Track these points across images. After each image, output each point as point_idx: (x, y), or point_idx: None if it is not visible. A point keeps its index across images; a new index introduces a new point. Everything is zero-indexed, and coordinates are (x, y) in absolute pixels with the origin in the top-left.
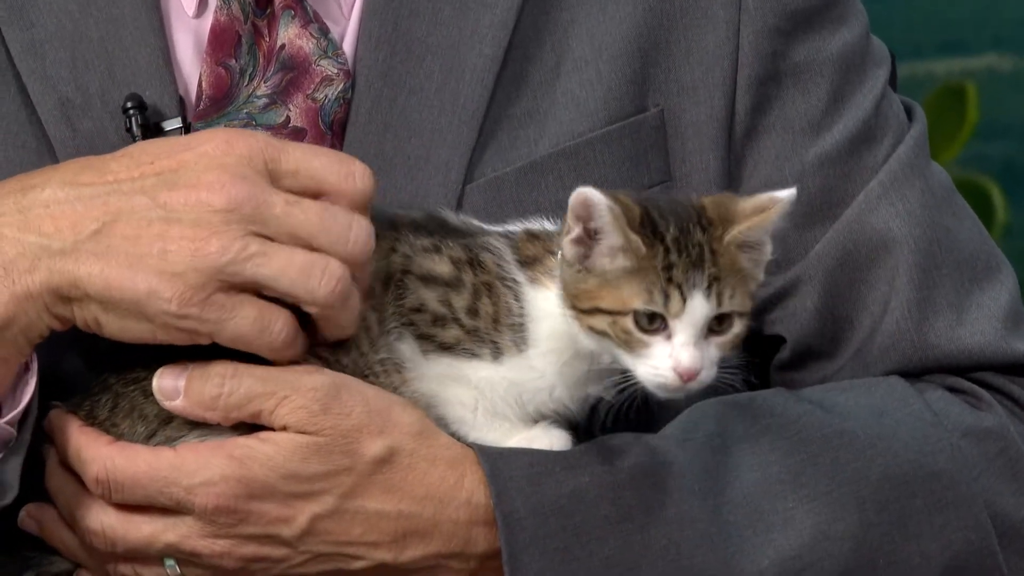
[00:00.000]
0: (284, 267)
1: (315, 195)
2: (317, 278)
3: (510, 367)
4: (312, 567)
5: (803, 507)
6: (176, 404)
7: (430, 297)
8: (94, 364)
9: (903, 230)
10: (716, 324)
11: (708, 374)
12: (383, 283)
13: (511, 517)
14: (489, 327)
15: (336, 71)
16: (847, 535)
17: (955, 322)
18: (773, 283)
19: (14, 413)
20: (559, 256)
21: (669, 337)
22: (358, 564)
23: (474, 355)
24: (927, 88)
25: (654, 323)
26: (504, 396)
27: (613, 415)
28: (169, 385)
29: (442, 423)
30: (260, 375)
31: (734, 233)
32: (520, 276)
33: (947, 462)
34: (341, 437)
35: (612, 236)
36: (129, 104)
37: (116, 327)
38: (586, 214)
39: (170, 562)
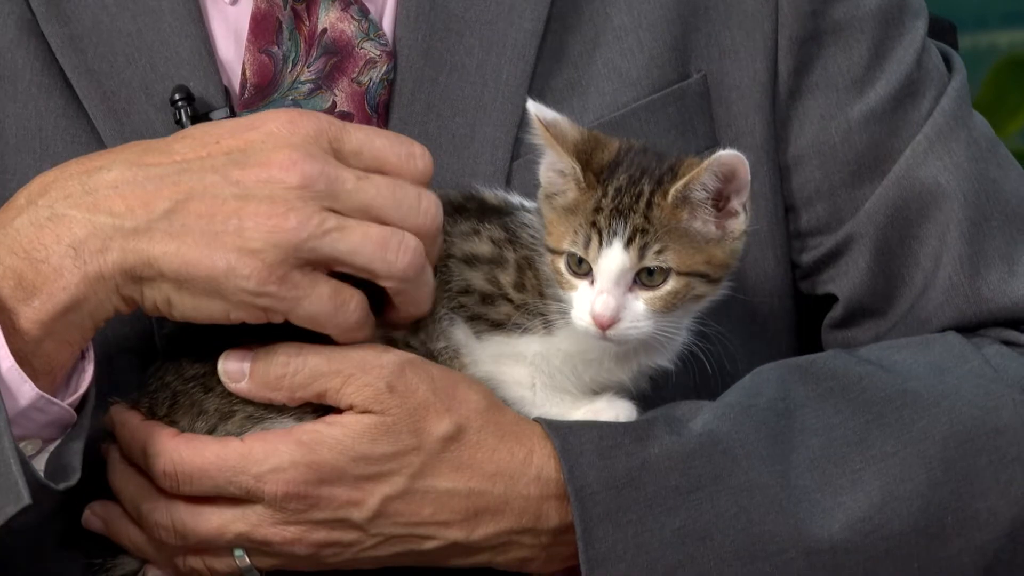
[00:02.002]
0: (361, 241)
1: (377, 173)
2: (394, 251)
3: (561, 338)
4: (384, 549)
5: (870, 468)
6: (242, 386)
7: (476, 277)
8: (148, 363)
9: (952, 184)
10: (647, 278)
11: (630, 326)
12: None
13: (584, 491)
14: (536, 300)
15: (379, 53)
16: (915, 495)
17: (1007, 274)
18: (825, 243)
19: (75, 397)
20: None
21: (593, 283)
22: (430, 544)
23: (526, 330)
24: (990, 59)
25: (582, 267)
26: (561, 368)
27: (673, 384)
28: (235, 367)
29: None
30: (325, 354)
31: (673, 189)
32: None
33: (1010, 417)
34: (408, 416)
35: (551, 157)
36: (177, 96)
37: (189, 306)
38: (530, 128)
39: (239, 552)
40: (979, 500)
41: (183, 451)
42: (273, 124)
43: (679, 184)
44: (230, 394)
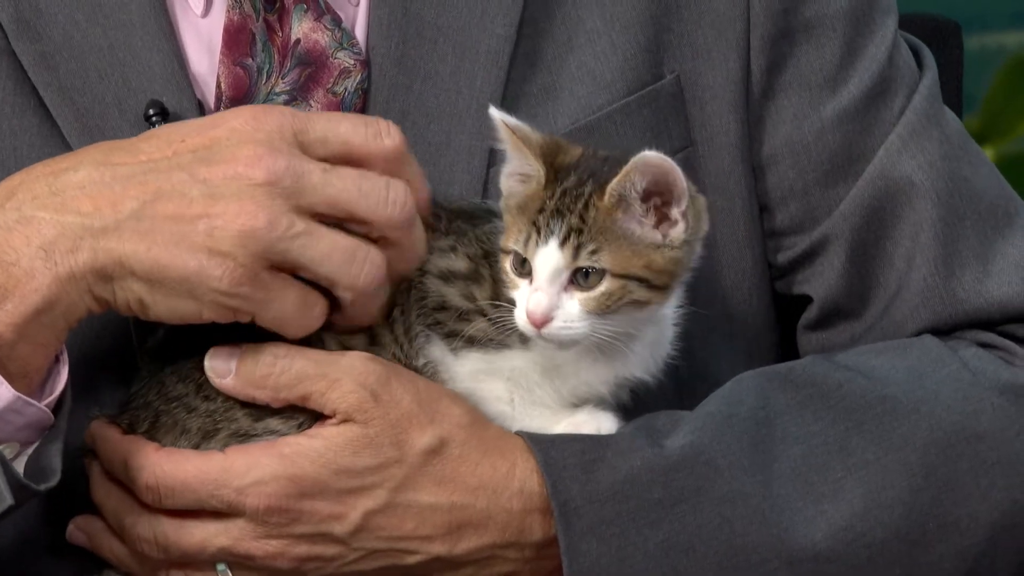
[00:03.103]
0: (329, 251)
1: (347, 161)
2: (359, 264)
3: (537, 351)
4: (366, 564)
5: (852, 476)
6: (227, 382)
7: (452, 293)
8: (130, 379)
9: (925, 183)
10: (582, 279)
11: (563, 326)
12: (405, 288)
13: (567, 506)
14: (511, 316)
15: (353, 62)
16: (897, 501)
17: (982, 274)
18: (799, 243)
19: (51, 398)
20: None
21: (531, 282)
22: (413, 559)
23: (503, 345)
24: (997, 61)
25: (525, 267)
26: (539, 382)
27: (654, 387)
28: (221, 364)
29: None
30: (313, 358)
31: (608, 189)
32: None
33: (989, 422)
34: (390, 427)
35: (517, 160)
36: (151, 111)
37: (161, 306)
38: (498, 134)
39: (222, 567)
40: (960, 505)
41: (165, 465)
42: (236, 121)
43: (612, 184)
44: (213, 413)
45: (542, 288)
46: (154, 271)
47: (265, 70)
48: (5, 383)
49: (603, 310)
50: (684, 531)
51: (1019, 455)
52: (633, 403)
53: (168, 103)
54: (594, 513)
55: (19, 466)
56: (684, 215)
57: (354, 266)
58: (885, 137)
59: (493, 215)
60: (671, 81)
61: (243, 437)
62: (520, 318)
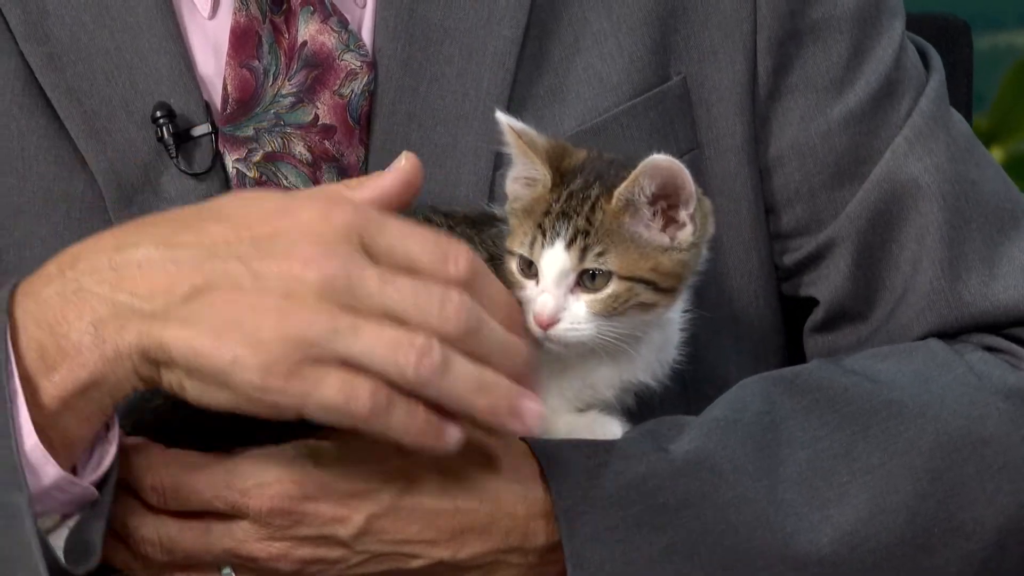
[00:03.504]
0: (373, 344)
1: (408, 272)
2: (405, 355)
3: (542, 354)
4: (370, 567)
5: (857, 481)
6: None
7: None
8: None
9: (931, 186)
10: (589, 281)
11: (569, 328)
12: None
13: (571, 511)
14: None
15: (359, 64)
16: (902, 507)
17: (988, 277)
18: (805, 245)
19: (97, 474)
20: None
21: (538, 284)
22: (416, 563)
23: None
24: (1008, 61)
25: (532, 269)
26: (544, 386)
27: (659, 399)
28: None
29: None
30: None
31: (616, 192)
32: None
33: (995, 427)
34: None
35: (523, 165)
36: (159, 113)
37: (199, 394)
38: (504, 138)
39: (227, 571)
40: (966, 510)
41: (171, 466)
42: (307, 213)
43: (620, 188)
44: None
45: (548, 289)
46: (191, 359)
47: (271, 72)
48: (52, 461)
49: (610, 312)
50: (689, 536)
51: None
52: (638, 407)
53: (175, 105)
54: (598, 518)
55: (58, 539)
56: (692, 218)
57: (400, 356)
58: (891, 139)
59: (496, 220)
60: (678, 83)
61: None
62: (528, 320)
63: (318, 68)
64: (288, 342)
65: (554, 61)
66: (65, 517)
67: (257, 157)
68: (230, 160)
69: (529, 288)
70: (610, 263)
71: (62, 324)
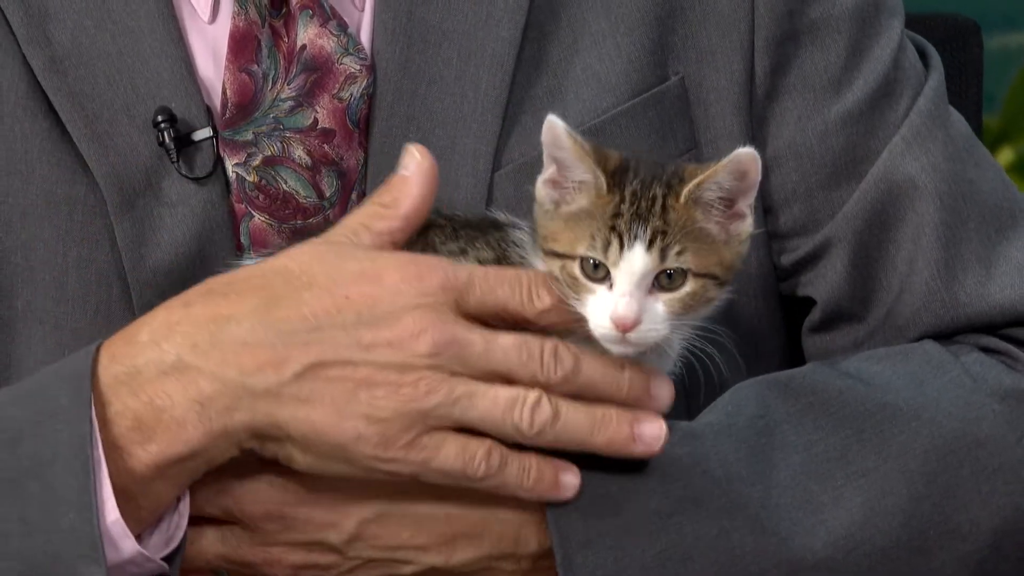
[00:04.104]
0: (490, 408)
1: (498, 317)
2: (519, 414)
3: None
4: (362, 573)
5: (852, 484)
6: None
7: None
8: None
9: (929, 186)
10: (666, 281)
11: (650, 329)
12: None
13: (563, 518)
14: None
15: (358, 67)
16: (897, 510)
17: (985, 278)
18: (803, 245)
19: (168, 550)
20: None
21: (611, 287)
22: (408, 569)
23: None
24: (1018, 61)
25: (599, 271)
26: None
27: None
28: None
29: None
30: None
31: (687, 189)
32: (539, 263)
33: (991, 429)
34: None
35: (575, 169)
36: (160, 118)
37: (312, 465)
38: (552, 143)
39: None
40: (961, 512)
41: None
42: (398, 276)
43: (692, 184)
44: None
45: (630, 293)
46: (311, 436)
47: (271, 76)
48: (131, 537)
49: (685, 310)
50: (682, 542)
51: (1021, 461)
52: None
53: (176, 109)
54: (590, 525)
55: None
56: (750, 208)
57: (515, 416)
58: (889, 139)
59: (497, 225)
60: (676, 83)
61: None
62: (602, 324)
63: (317, 72)
64: (407, 417)
65: (552, 62)
66: None
67: (256, 161)
68: (230, 164)
69: (600, 292)
70: (688, 261)
71: (163, 397)
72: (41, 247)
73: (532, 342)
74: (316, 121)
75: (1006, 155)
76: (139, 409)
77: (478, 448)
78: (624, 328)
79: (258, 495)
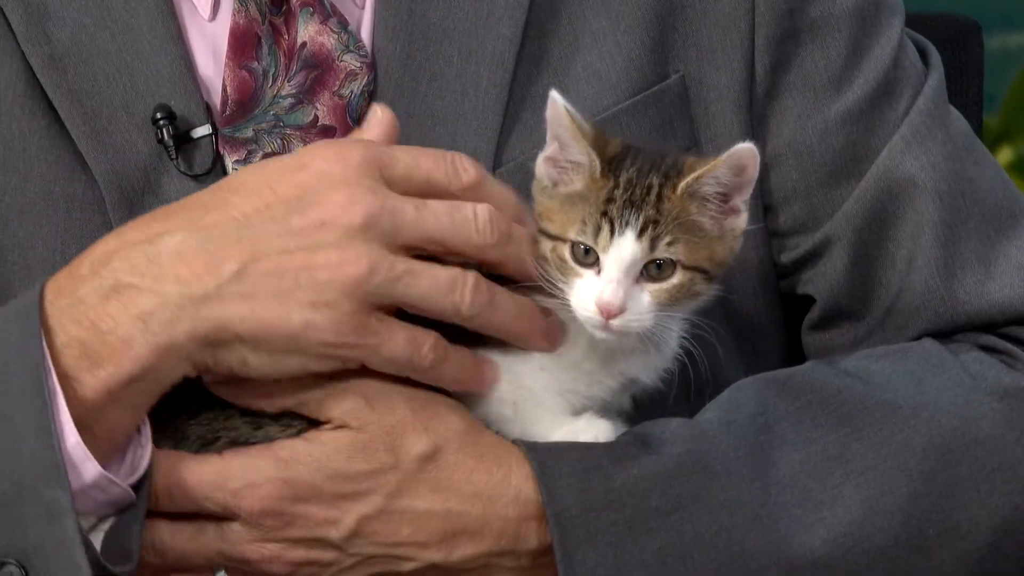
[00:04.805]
0: (430, 286)
1: (427, 195)
2: (460, 292)
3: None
4: (362, 570)
5: (851, 482)
6: (228, 389)
7: None
8: None
9: (928, 184)
10: (655, 271)
11: (635, 318)
12: None
13: (563, 515)
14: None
15: (359, 65)
16: (896, 508)
17: (984, 276)
18: (803, 244)
19: (134, 477)
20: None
21: (599, 272)
22: (408, 566)
23: (503, 344)
24: (1019, 61)
25: (589, 256)
26: (542, 382)
27: (656, 398)
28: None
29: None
30: None
31: (684, 182)
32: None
33: (990, 427)
34: (385, 433)
35: (571, 148)
36: (159, 115)
37: (267, 365)
38: (553, 119)
39: (221, 574)
40: (960, 511)
41: (162, 467)
42: (322, 162)
43: (691, 177)
44: (212, 420)
45: (617, 279)
46: (259, 332)
47: (271, 73)
48: (92, 460)
49: (672, 302)
50: (681, 539)
51: (1020, 460)
52: (635, 409)
53: (175, 106)
54: (590, 522)
55: (95, 539)
56: (745, 204)
57: (455, 295)
58: (889, 138)
59: None
60: (676, 81)
61: (242, 446)
62: (587, 308)
63: (317, 69)
64: (352, 296)
65: (553, 60)
66: (100, 520)
67: (257, 158)
68: (230, 161)
69: (587, 276)
70: (679, 253)
71: (105, 320)
72: (39, 244)
73: (463, 205)
74: (316, 118)
75: (1005, 155)
76: (84, 336)
77: (427, 339)
78: (608, 314)
79: (256, 491)
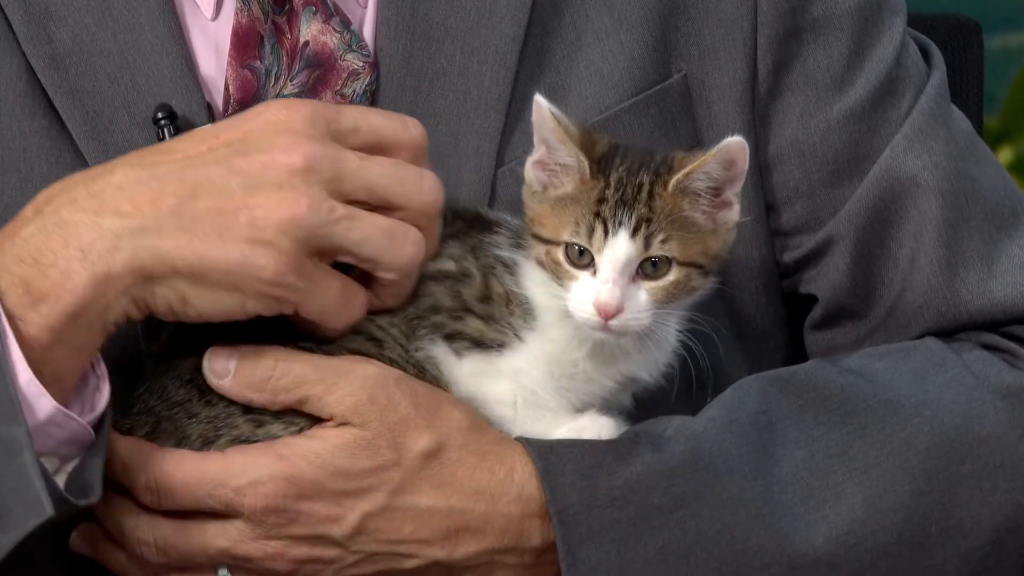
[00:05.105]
0: (370, 232)
1: (376, 151)
2: (400, 243)
3: (533, 347)
4: (365, 567)
5: (853, 480)
6: (225, 383)
7: (440, 291)
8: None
9: (930, 183)
10: (650, 269)
11: (632, 317)
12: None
13: (566, 512)
14: (503, 311)
15: (361, 64)
16: (898, 506)
17: (986, 275)
18: (805, 243)
19: (93, 416)
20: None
21: (595, 274)
22: (411, 563)
23: (502, 345)
24: (1019, 61)
25: (583, 258)
26: (541, 382)
27: (658, 396)
28: (220, 365)
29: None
30: (311, 362)
31: (675, 178)
32: (517, 255)
33: (992, 426)
34: (388, 430)
35: (559, 151)
36: (160, 114)
37: (205, 302)
38: (539, 123)
39: (223, 572)
40: (963, 509)
41: (164, 465)
42: (269, 113)
43: (681, 174)
44: (214, 419)
45: (614, 280)
46: (196, 266)
47: (273, 72)
48: (47, 395)
49: (669, 299)
50: (684, 537)
51: (1022, 458)
52: (636, 405)
53: (177, 106)
54: (593, 519)
55: (59, 481)
56: (737, 196)
57: (395, 245)
58: (891, 137)
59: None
60: (678, 80)
61: (244, 444)
62: (584, 310)
63: (320, 68)
64: (291, 234)
65: (555, 59)
66: (64, 461)
67: None
68: None
69: (583, 279)
70: (673, 250)
71: (47, 255)
72: None
73: (407, 165)
74: None
75: (1005, 155)
76: (26, 273)
77: (359, 292)
78: (606, 315)
79: (259, 488)
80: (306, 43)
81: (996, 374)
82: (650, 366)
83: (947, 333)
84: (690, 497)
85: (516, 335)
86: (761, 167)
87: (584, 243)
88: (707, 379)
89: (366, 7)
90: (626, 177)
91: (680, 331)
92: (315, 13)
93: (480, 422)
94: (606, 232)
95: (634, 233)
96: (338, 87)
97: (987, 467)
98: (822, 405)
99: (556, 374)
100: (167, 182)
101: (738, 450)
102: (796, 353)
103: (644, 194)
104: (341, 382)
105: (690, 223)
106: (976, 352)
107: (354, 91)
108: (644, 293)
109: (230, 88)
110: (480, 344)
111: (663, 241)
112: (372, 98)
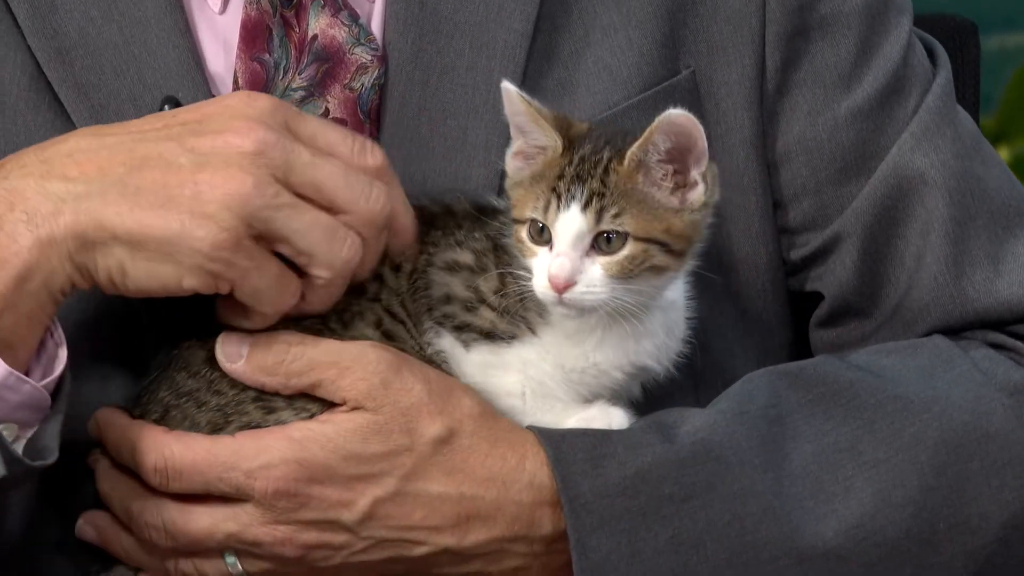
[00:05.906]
0: (311, 224)
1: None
2: (340, 242)
3: (544, 340)
4: (374, 554)
5: (862, 475)
6: (238, 367)
7: (455, 283)
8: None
9: (937, 181)
10: (604, 244)
11: (586, 291)
12: (407, 276)
13: (577, 501)
14: (517, 304)
15: (370, 58)
16: (907, 501)
17: (993, 274)
18: (812, 240)
19: (49, 380)
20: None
21: (551, 249)
22: (420, 550)
23: (513, 337)
24: (1016, 62)
25: (544, 234)
26: (551, 373)
27: (666, 391)
28: (233, 349)
29: None
30: (324, 346)
31: (628, 153)
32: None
33: (1000, 423)
34: (400, 415)
35: (533, 133)
36: (166, 107)
37: (141, 271)
38: (510, 110)
39: (231, 559)
40: (971, 505)
41: (174, 447)
42: (231, 100)
43: (633, 147)
44: (223, 407)
45: (564, 252)
46: (135, 232)
47: (282, 66)
48: None
49: (625, 274)
50: (694, 527)
51: None
52: (645, 399)
53: (183, 99)
54: (604, 508)
55: (19, 449)
56: (703, 177)
57: (335, 244)
58: (898, 135)
59: (498, 212)
60: (687, 77)
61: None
62: (540, 284)
63: (328, 62)
64: (233, 210)
65: (564, 55)
66: (23, 429)
67: None
68: None
69: (541, 254)
70: (626, 224)
71: None
72: None
73: (358, 173)
74: (327, 111)
75: (1002, 155)
76: None
77: (293, 280)
78: (557, 287)
79: (270, 472)
80: (314, 37)
81: (1003, 372)
82: (661, 355)
83: (953, 331)
84: (700, 488)
85: (529, 328)
86: (769, 164)
87: (541, 217)
88: (714, 375)
89: (374, 1)
90: (589, 155)
91: (688, 316)
92: (323, 7)
93: (491, 410)
94: (559, 206)
95: (585, 206)
96: (347, 81)
97: (995, 464)
98: (831, 400)
99: (567, 367)
100: (117, 151)
101: (748, 443)
102: (801, 351)
103: (599, 169)
104: (354, 366)
105: (650, 199)
106: (983, 350)
107: (363, 85)
108: (599, 267)
109: (239, 81)
110: (490, 336)
111: (615, 215)
112: (381, 92)
